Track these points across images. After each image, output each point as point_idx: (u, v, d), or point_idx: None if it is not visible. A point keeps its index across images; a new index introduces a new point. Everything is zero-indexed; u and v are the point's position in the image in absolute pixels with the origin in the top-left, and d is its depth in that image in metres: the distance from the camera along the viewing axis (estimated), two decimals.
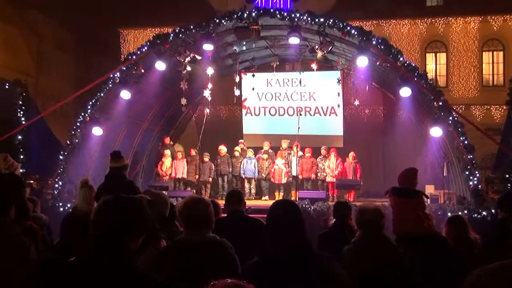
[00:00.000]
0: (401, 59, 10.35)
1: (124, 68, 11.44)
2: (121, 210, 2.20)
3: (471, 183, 9.86)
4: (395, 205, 5.38)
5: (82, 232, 3.62)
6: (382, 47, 10.31)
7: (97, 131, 11.55)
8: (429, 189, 11.07)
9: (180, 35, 11.14)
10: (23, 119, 12.63)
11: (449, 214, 8.96)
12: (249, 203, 10.88)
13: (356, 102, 13.19)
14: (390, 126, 14.73)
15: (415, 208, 5.24)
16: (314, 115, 14.94)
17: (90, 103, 11.58)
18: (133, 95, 11.62)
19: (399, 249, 3.70)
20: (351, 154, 13.33)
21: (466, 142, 9.96)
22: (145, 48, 11.34)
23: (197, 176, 13.61)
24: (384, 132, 15.57)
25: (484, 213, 9.29)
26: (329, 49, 10.76)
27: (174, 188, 13.64)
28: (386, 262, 3.56)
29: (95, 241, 2.16)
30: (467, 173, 9.96)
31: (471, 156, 9.92)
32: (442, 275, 4.29)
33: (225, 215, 4.59)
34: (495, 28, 19.75)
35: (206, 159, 13.72)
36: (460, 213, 9.30)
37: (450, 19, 19.93)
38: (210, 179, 13.69)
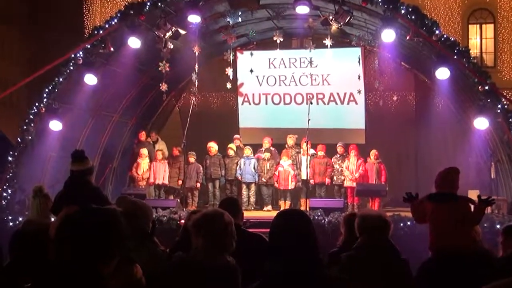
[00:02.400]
0: (437, 32, 10.33)
1: (89, 46, 11.41)
2: (91, 227, 2.18)
3: None
4: (432, 213, 5.38)
5: (37, 252, 3.62)
6: (413, 17, 10.29)
7: (55, 125, 11.53)
8: (473, 195, 11.02)
9: (159, 4, 11.12)
10: None
11: (498, 226, 8.97)
12: (247, 214, 10.88)
13: (381, 87, 13.18)
14: (424, 117, 14.71)
15: (456, 214, 5.23)
16: (328, 103, 14.93)
17: (46, 90, 11.56)
18: (100, 80, 11.59)
19: (403, 261, 4.11)
20: (373, 152, 13.35)
21: None
22: (115, 20, 11.31)
23: (181, 181, 13.62)
24: (417, 125, 15.55)
25: None
26: (347, 20, 10.74)
27: (158, 196, 13.66)
28: (384, 273, 3.93)
29: (57, 265, 2.14)
30: None
31: None
32: None
33: None
34: None
35: (193, 159, 13.72)
36: None
37: None
38: (198, 185, 13.70)
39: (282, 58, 14.95)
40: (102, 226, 2.20)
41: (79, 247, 2.14)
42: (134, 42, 11.18)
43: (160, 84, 12.36)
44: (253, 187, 13.62)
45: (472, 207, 5.64)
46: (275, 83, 15.20)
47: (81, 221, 2.20)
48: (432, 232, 5.40)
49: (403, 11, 10.27)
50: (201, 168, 13.70)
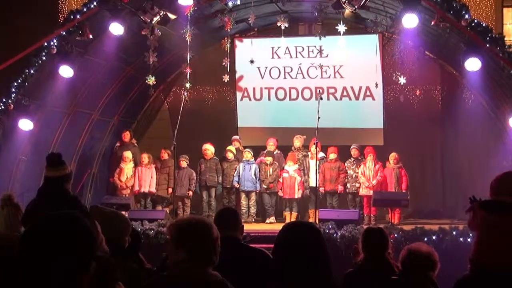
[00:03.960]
0: (466, 16, 10.33)
1: (64, 33, 11.41)
2: (54, 234, 2.18)
3: None
4: (482, 224, 5.36)
5: (6, 270, 3.61)
6: None
7: (25, 124, 11.52)
8: None
9: None
10: None
11: None
12: (247, 227, 10.87)
13: (402, 80, 13.16)
14: (452, 115, 14.71)
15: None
16: (341, 99, 14.93)
17: (15, 84, 11.55)
18: (77, 72, 11.58)
19: None
20: (393, 156, 13.34)
21: None
22: (94, 3, 11.31)
23: (171, 189, 13.61)
24: (443, 123, 15.54)
25: None
26: (362, 3, 10.74)
27: (144, 207, 13.69)
28: None
29: (24, 282, 2.15)
30: None
31: None
32: None
33: None
34: None
35: (184, 164, 13.72)
36: None
37: None
38: (191, 193, 13.71)
39: (287, 47, 14.92)
40: (66, 236, 2.20)
41: (43, 260, 2.14)
42: (116, 29, 11.16)
43: (147, 77, 12.34)
44: (253, 196, 13.63)
45: None
46: (279, 75, 15.19)
47: (45, 229, 2.20)
48: (478, 244, 5.38)
49: None
50: (194, 174, 13.71)
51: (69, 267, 2.16)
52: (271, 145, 13.93)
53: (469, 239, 9.47)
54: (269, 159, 13.59)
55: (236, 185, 13.61)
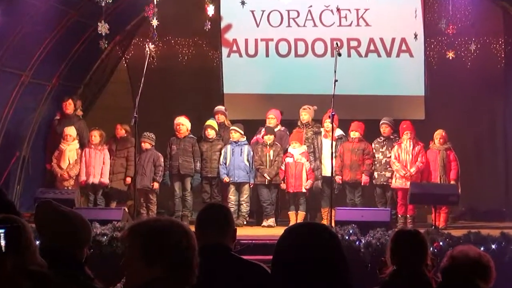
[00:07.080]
0: None
1: None
2: None
3: None
4: None
5: None
6: None
7: None
8: None
9: None
10: None
11: None
12: (238, 232, 10.87)
13: (451, 30, 13.15)
14: None
15: None
16: (367, 55, 14.94)
17: None
18: (1, 17, 11.55)
19: None
20: (439, 133, 13.32)
21: None
22: None
23: (129, 179, 13.63)
24: (507, 90, 15.56)
25: None
26: None
27: (94, 203, 13.73)
28: None
29: None
30: None
31: None
32: None
33: None
34: None
35: (148, 145, 13.69)
36: None
37: None
38: (156, 186, 13.72)
39: None
40: None
41: None
42: None
43: (98, 24, 12.30)
44: (246, 190, 13.64)
45: None
46: (281, 22, 15.19)
47: None
48: None
49: None
50: (162, 159, 13.69)
51: None
52: (271, 118, 13.88)
53: None
54: (270, 138, 13.51)
55: (226, 179, 13.56)
